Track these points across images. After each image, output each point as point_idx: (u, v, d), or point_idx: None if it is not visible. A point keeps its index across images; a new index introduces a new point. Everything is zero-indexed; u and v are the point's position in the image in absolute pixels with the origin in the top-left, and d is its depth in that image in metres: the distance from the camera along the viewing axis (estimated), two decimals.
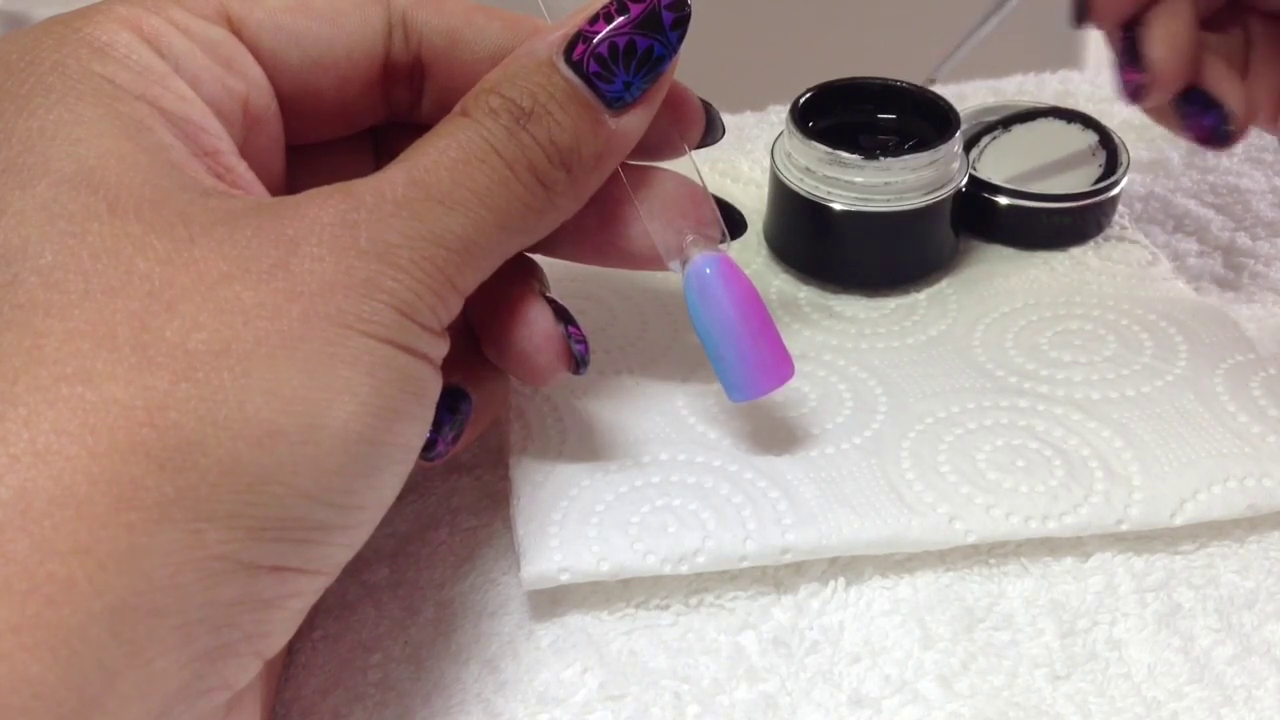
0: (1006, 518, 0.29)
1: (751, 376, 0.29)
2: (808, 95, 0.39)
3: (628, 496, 0.30)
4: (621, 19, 0.26)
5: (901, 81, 0.39)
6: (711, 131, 0.31)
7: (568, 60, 0.25)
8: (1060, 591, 0.29)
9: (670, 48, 0.26)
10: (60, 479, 0.19)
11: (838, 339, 0.36)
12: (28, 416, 0.19)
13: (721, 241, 0.30)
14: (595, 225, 0.29)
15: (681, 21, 0.26)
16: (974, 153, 0.41)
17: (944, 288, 0.38)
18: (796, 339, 0.36)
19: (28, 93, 0.23)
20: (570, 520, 0.29)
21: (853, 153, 0.36)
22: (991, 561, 0.30)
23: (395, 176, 0.23)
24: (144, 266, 0.21)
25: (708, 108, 0.31)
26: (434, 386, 0.24)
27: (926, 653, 0.28)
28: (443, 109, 0.26)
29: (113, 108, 0.23)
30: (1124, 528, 0.29)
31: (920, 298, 0.38)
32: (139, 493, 0.19)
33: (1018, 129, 0.42)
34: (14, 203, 0.21)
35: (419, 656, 0.28)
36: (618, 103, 0.26)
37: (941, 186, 0.37)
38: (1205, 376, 0.33)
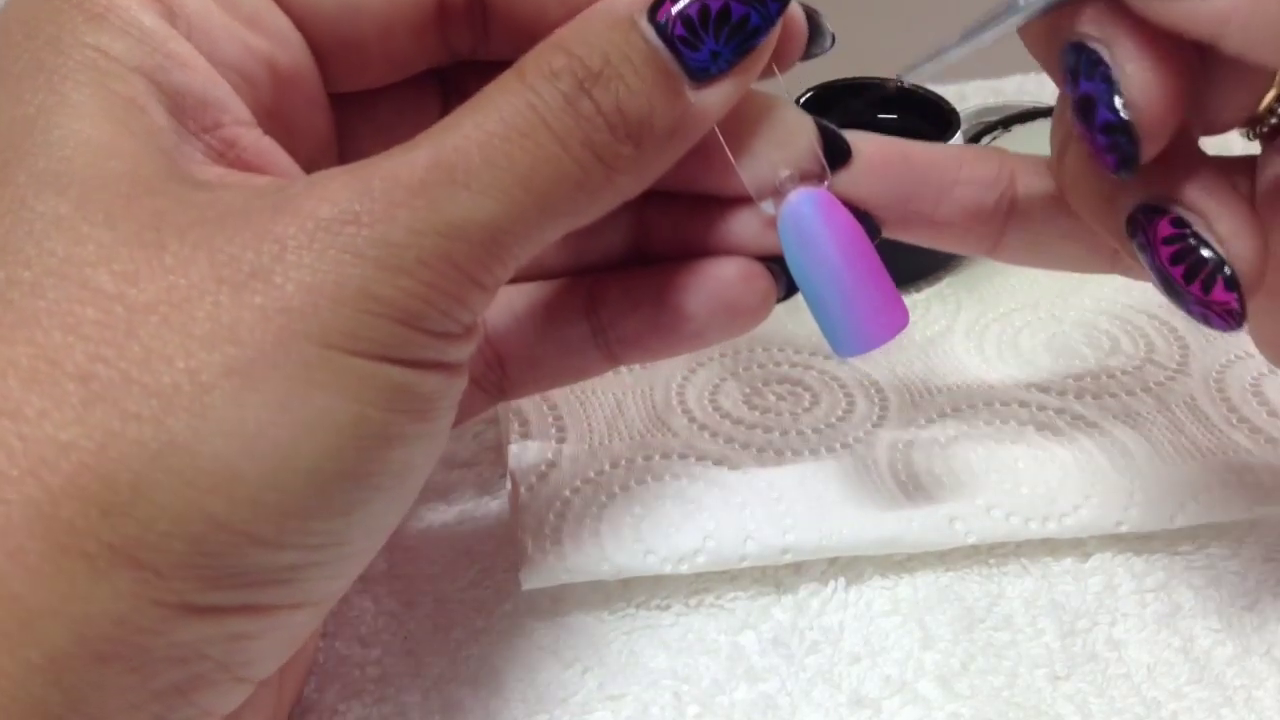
0: (1006, 518, 0.29)
1: (862, 327, 0.26)
2: (808, 95, 0.39)
3: (627, 495, 0.30)
4: None
5: (902, 81, 0.39)
6: (818, 40, 0.26)
7: (650, 19, 0.22)
8: (1060, 592, 0.29)
9: (769, 19, 0.23)
10: None
11: None
12: None
13: (820, 176, 0.26)
14: (671, 167, 0.24)
15: None
16: None
17: (944, 288, 0.38)
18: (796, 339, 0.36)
19: (20, 73, 0.21)
20: (570, 519, 0.29)
21: None
22: (991, 562, 0.30)
23: (417, 157, 0.21)
24: (105, 283, 0.19)
25: (811, 13, 0.26)
26: (448, 394, 0.22)
27: (926, 653, 0.28)
28: (515, 47, 0.23)
29: (104, 86, 0.21)
30: (1124, 529, 0.29)
31: (920, 298, 0.38)
32: (78, 540, 0.18)
33: (1018, 129, 0.42)
34: None
35: (417, 652, 0.28)
36: (701, 74, 0.22)
37: None
38: (1205, 376, 0.33)
